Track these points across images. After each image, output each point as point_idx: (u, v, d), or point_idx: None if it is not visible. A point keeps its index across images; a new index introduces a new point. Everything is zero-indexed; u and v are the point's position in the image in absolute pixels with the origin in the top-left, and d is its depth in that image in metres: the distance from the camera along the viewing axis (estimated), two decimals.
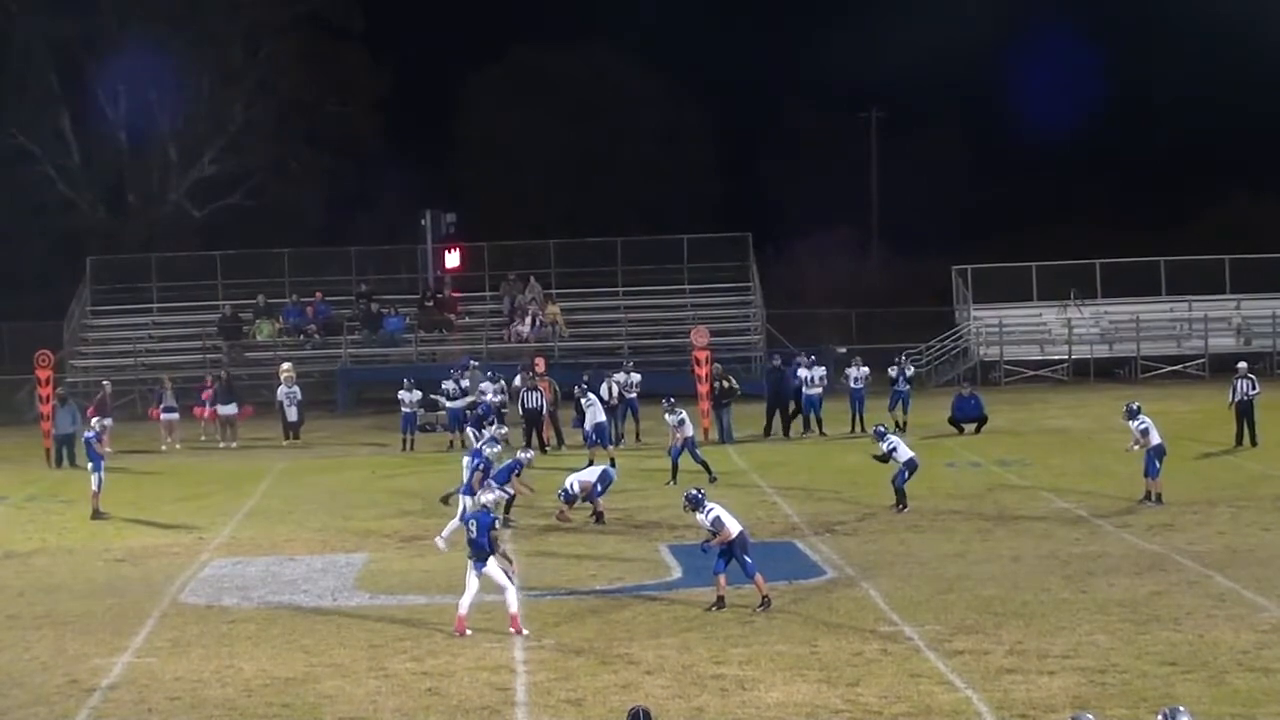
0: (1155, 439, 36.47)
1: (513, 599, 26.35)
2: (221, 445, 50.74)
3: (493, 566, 26.50)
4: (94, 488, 38.31)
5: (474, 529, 26.90)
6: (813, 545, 33.03)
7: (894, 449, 35.82)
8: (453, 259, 65.14)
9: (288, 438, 50.94)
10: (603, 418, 44.42)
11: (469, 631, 26.21)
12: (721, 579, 27.34)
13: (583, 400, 45.00)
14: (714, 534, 27.63)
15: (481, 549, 26.46)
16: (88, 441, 38.86)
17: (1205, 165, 79.50)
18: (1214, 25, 79.09)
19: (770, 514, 36.69)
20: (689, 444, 40.34)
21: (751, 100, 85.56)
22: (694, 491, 28.35)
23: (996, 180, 79.06)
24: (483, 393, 48.87)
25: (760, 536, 34.13)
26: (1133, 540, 32.50)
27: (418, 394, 49.38)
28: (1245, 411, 44.55)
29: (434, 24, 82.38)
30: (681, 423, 39.81)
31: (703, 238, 64.78)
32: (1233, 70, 78.60)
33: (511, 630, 26.10)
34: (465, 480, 33.24)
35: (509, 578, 26.51)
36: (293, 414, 51.38)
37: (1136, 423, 36.56)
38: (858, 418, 49.53)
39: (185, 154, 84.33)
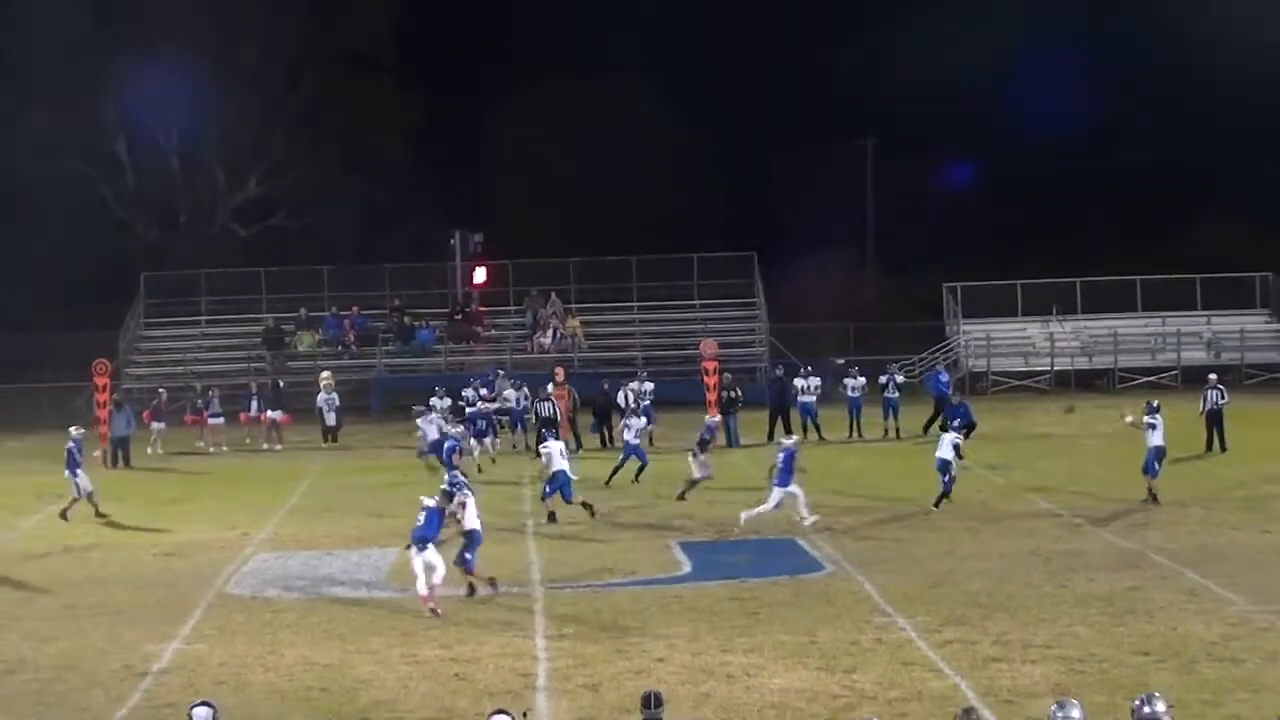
0: (1158, 440, 36.60)
1: (438, 579, 27.42)
2: (265, 447, 50.75)
3: (431, 551, 27.46)
4: (74, 494, 38.01)
5: (422, 520, 27.96)
6: (812, 542, 33.00)
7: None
8: (480, 275, 65.20)
9: (326, 441, 50.97)
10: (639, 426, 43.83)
11: (439, 611, 27.00)
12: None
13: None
14: (459, 520, 29.02)
15: (424, 539, 27.62)
16: (69, 452, 37.93)
17: (1178, 191, 79.40)
18: (1187, 58, 79.17)
19: (773, 513, 36.60)
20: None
21: (758, 129, 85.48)
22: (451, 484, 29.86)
23: (985, 204, 78.92)
24: (507, 399, 48.94)
25: (764, 534, 34.25)
26: (1110, 539, 32.48)
27: (448, 400, 49.35)
28: (1215, 420, 44.58)
29: (462, 57, 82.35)
30: (703, 465, 39.19)
31: (711, 256, 64.79)
32: (1203, 103, 78.63)
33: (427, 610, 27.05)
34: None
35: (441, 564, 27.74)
36: (331, 419, 51.42)
37: (1150, 417, 36.72)
38: (855, 425, 49.56)
39: (232, 178, 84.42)
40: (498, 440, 48.00)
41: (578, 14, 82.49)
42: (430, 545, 27.75)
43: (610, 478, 41.42)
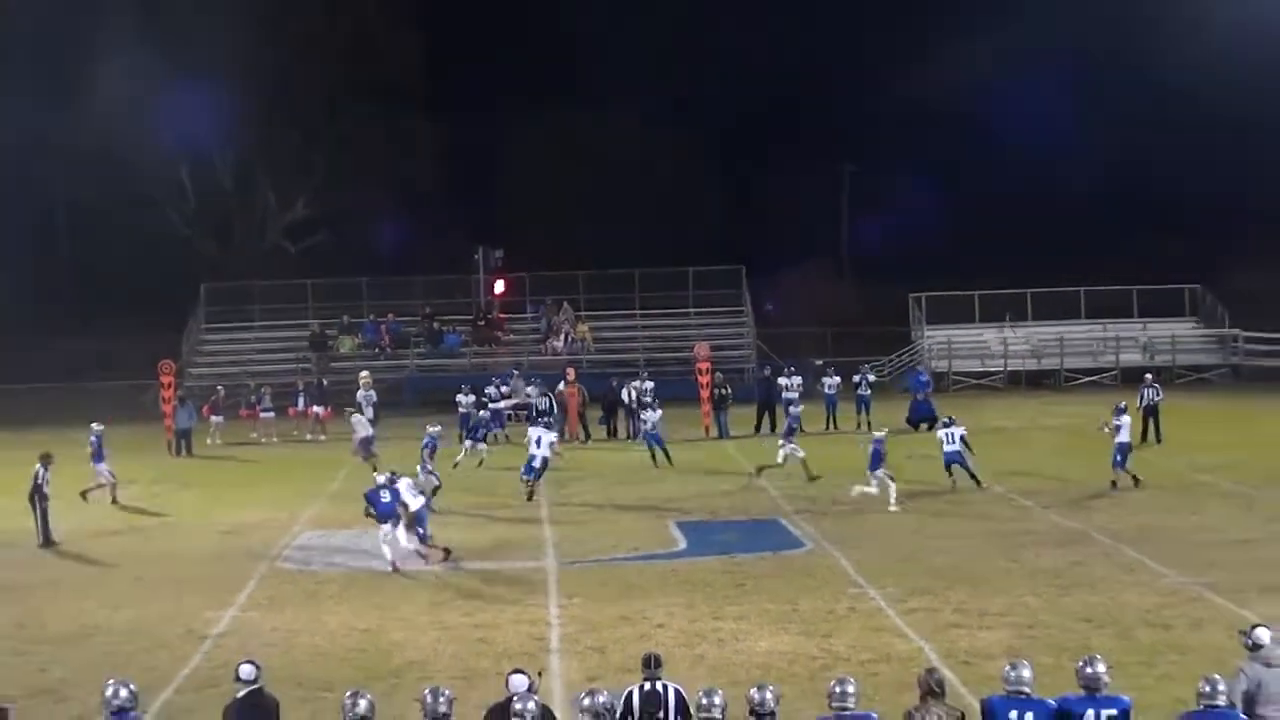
0: (1125, 437, 36.79)
1: (400, 552, 29.11)
2: (310, 438, 50.75)
3: (392, 526, 29.15)
4: (101, 479, 38.13)
5: (386, 497, 29.34)
6: (794, 522, 33.04)
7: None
8: (500, 286, 65.24)
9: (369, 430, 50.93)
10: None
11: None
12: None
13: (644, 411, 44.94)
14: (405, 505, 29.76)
15: (386, 515, 29.29)
16: (93, 445, 38.30)
17: (1118, 212, 79.56)
18: (1126, 93, 79.50)
19: (760, 497, 36.69)
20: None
21: (746, 155, 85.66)
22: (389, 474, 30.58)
23: (947, 223, 78.97)
24: (528, 395, 48.96)
25: (752, 514, 34.31)
26: (1056, 519, 32.51)
27: (473, 396, 49.45)
28: (1151, 414, 44.54)
29: (483, 92, 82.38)
30: (793, 450, 39.18)
31: (704, 270, 64.79)
32: (1142, 131, 78.77)
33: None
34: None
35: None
36: (369, 412, 51.37)
37: (1117, 419, 36.90)
38: (831, 418, 49.61)
39: (281, 200, 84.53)
40: (505, 432, 48.36)
41: (587, 53, 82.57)
42: (393, 521, 29.18)
43: (662, 459, 41.89)
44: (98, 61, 75.56)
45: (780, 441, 39.53)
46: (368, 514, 29.93)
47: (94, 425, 38.36)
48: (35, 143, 76.63)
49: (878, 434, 36.38)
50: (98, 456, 38.14)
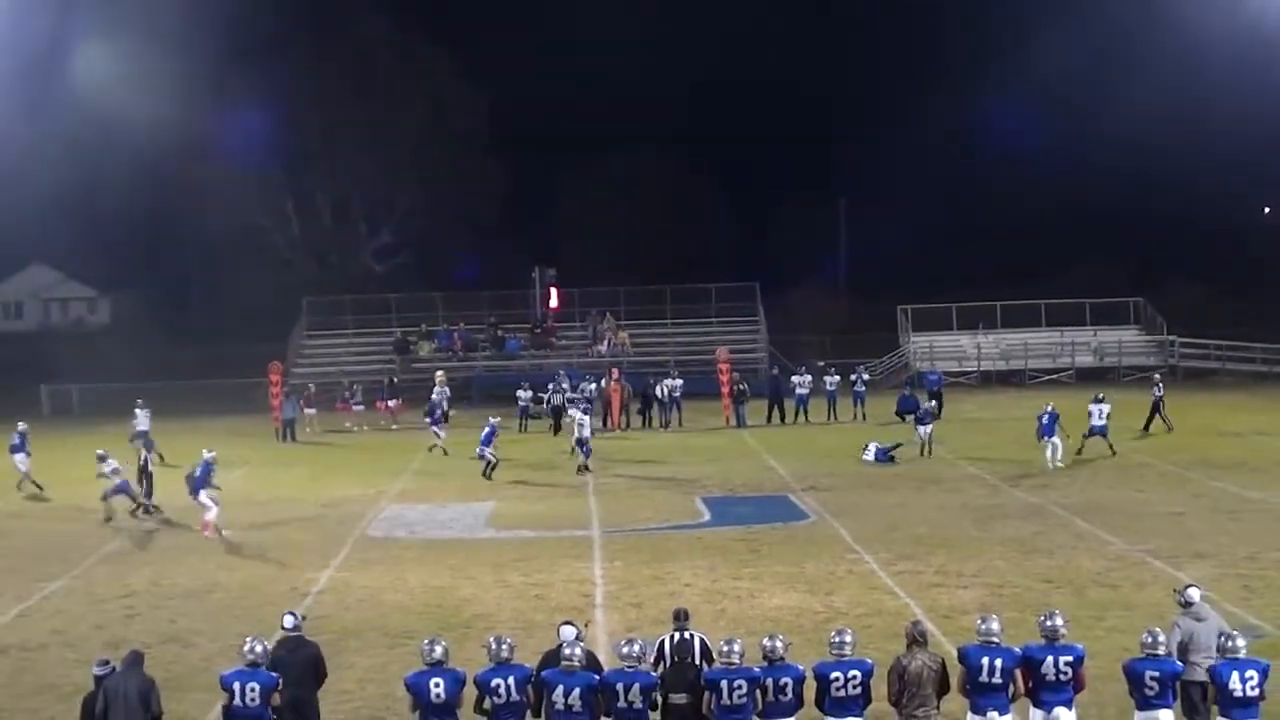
0: (1098, 420, 38.10)
1: (213, 515, 29.99)
2: (394, 428, 50.71)
3: (203, 495, 30.02)
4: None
5: (199, 473, 30.16)
6: (800, 497, 32.99)
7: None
8: (553, 300, 65.13)
9: (443, 424, 50.86)
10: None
11: (225, 532, 29.73)
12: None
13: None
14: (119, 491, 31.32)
15: (199, 488, 30.06)
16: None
17: (1072, 234, 79.56)
18: (1083, 128, 79.73)
19: (771, 476, 36.62)
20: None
21: (761, 189, 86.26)
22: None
23: (928, 245, 78.97)
24: (581, 390, 48.86)
25: (764, 491, 34.25)
26: (1021, 495, 32.39)
27: (530, 392, 49.48)
28: (1156, 408, 43.92)
29: (538, 135, 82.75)
30: (926, 434, 39.82)
31: (725, 286, 64.65)
32: (1095, 164, 78.83)
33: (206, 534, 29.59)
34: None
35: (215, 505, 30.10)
36: (444, 406, 51.37)
37: (1094, 405, 38.36)
38: (832, 410, 49.43)
39: (370, 228, 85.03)
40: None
41: (627, 104, 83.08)
42: (206, 490, 30.14)
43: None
44: (224, 119, 76.53)
45: (916, 425, 40.44)
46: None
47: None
48: (169, 181, 77.45)
49: (1047, 407, 37.88)
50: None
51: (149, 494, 33.10)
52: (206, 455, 30.83)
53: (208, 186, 78.75)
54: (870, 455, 38.52)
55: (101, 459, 32.12)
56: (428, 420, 43.71)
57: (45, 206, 78.77)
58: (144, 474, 33.20)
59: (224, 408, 55.23)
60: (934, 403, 45.83)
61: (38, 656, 20.75)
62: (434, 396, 48.36)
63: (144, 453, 33.34)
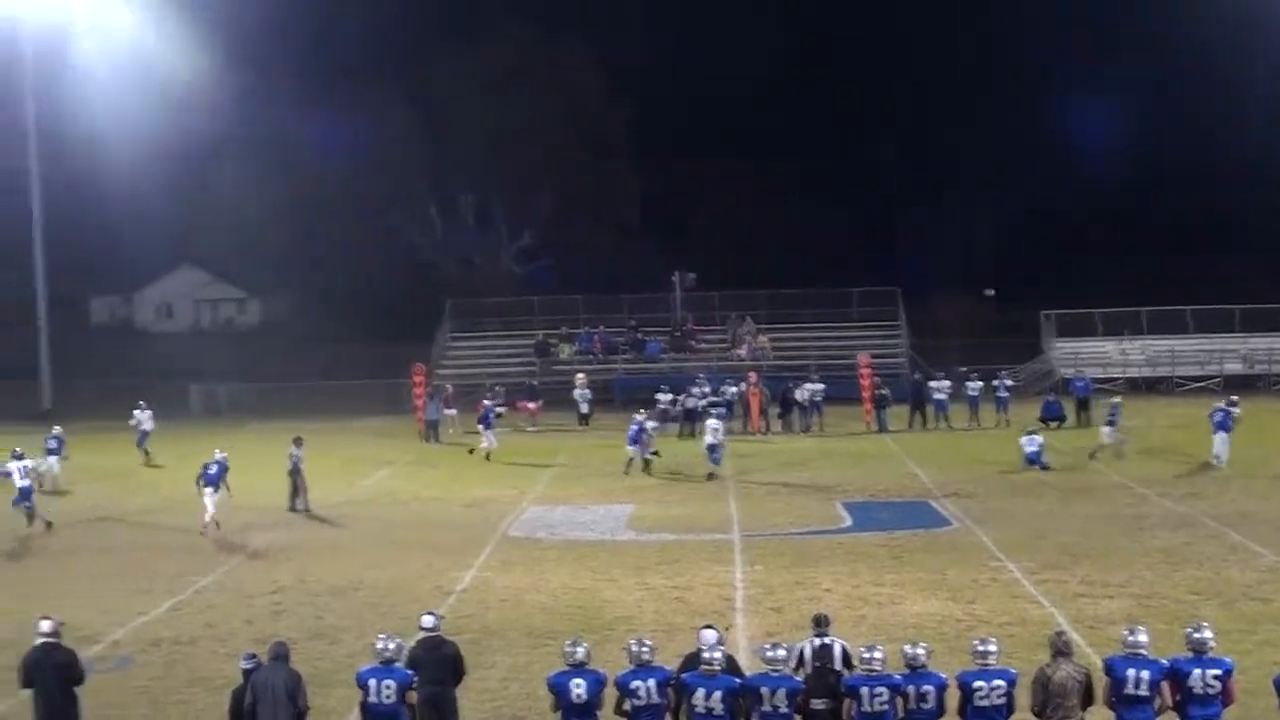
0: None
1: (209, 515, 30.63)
2: (530, 429, 50.97)
3: (208, 493, 30.76)
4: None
5: (214, 470, 30.98)
6: (942, 504, 32.69)
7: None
8: (692, 303, 65.15)
9: (581, 425, 51.18)
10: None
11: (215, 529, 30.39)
12: None
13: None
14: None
15: (213, 480, 30.82)
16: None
17: (1223, 237, 78.16)
18: (1228, 126, 77.98)
19: (912, 481, 36.36)
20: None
21: (903, 198, 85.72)
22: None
23: (1073, 250, 78.07)
24: (721, 394, 48.86)
25: (905, 496, 34.02)
26: (1169, 505, 31.79)
27: (670, 395, 49.55)
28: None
29: (677, 144, 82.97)
30: (1113, 435, 39.51)
31: (866, 290, 64.22)
32: (1253, 157, 77.06)
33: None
34: None
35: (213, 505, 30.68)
36: (585, 408, 51.65)
37: (1230, 407, 37.78)
38: (974, 416, 48.90)
39: (512, 232, 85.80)
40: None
41: (766, 112, 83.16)
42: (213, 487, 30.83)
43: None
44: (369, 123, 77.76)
45: (1106, 427, 39.83)
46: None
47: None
48: (316, 184, 78.79)
49: (1220, 404, 37.98)
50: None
51: (300, 495, 33.62)
52: (219, 455, 31.73)
53: (353, 190, 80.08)
54: (1030, 448, 37.83)
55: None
56: (481, 426, 43.43)
57: (196, 209, 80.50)
58: (294, 474, 33.70)
59: (368, 408, 55.95)
60: (1081, 411, 45.20)
61: (189, 650, 21.22)
62: (575, 395, 48.88)
63: (295, 451, 33.84)
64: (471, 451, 42.73)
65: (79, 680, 16.06)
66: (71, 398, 58.58)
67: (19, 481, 31.59)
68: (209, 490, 31.00)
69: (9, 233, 61.67)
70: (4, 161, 61.13)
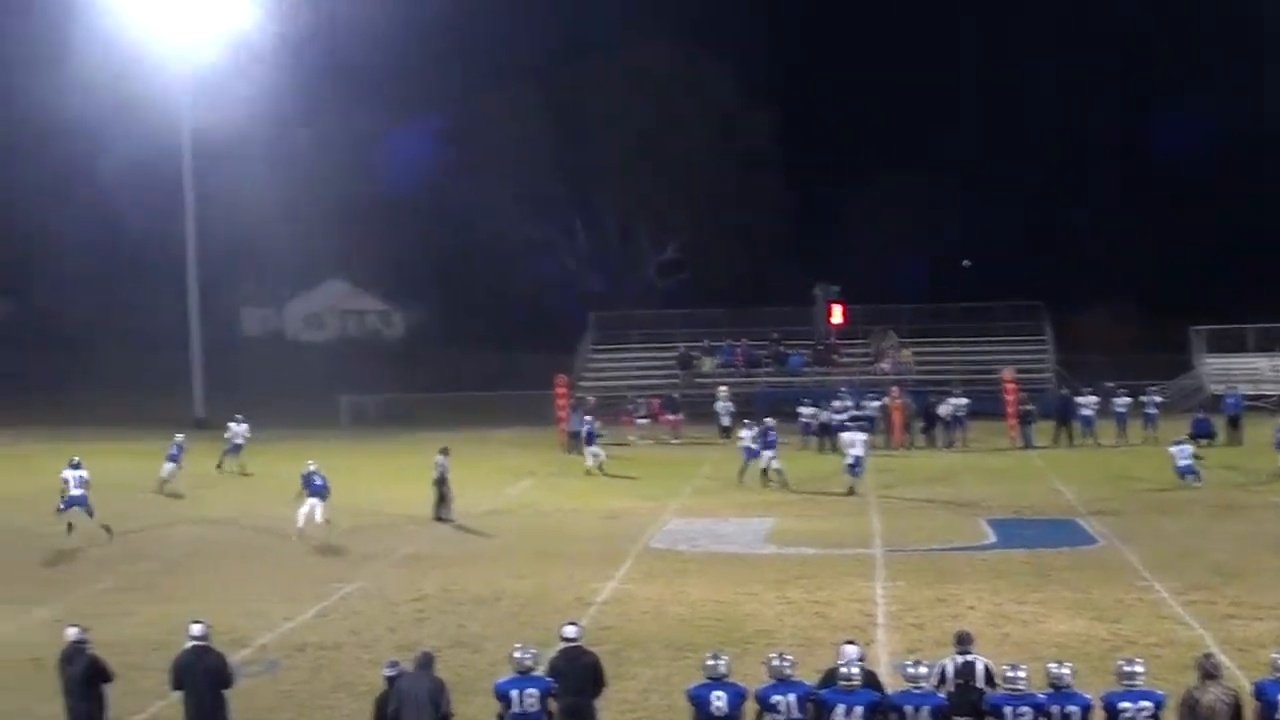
0: None
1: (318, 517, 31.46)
2: (674, 442, 51.05)
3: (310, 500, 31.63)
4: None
5: (318, 480, 31.85)
6: (1088, 521, 32.21)
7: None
8: (836, 317, 64.81)
9: (722, 437, 51.11)
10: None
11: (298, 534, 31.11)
12: None
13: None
14: None
15: (319, 491, 31.61)
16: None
17: None
18: None
19: (1057, 499, 35.90)
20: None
21: (1048, 207, 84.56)
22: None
23: (1222, 266, 76.59)
24: (860, 408, 48.63)
25: (1050, 514, 33.59)
26: None
27: (813, 409, 49.34)
28: None
29: (823, 155, 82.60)
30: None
31: (1010, 304, 63.49)
32: None
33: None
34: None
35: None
36: (726, 420, 51.60)
37: None
38: (1121, 432, 48.13)
39: (655, 245, 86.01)
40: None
41: (909, 120, 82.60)
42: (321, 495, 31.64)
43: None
44: (510, 135, 78.47)
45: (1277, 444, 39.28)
46: None
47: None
48: (458, 197, 79.84)
49: None
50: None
51: (445, 504, 34.02)
52: (312, 466, 32.58)
53: (496, 202, 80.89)
54: (1182, 460, 37.19)
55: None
56: (586, 447, 43.47)
57: (342, 222, 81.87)
58: (440, 483, 34.07)
59: (511, 419, 56.40)
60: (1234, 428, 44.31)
61: (334, 655, 21.56)
62: (717, 408, 48.97)
63: (441, 460, 34.22)
64: (589, 472, 42.52)
65: (228, 683, 16.39)
66: (224, 407, 59.74)
67: (73, 490, 32.14)
68: (313, 500, 31.74)
69: (166, 246, 63.15)
70: (160, 178, 62.67)
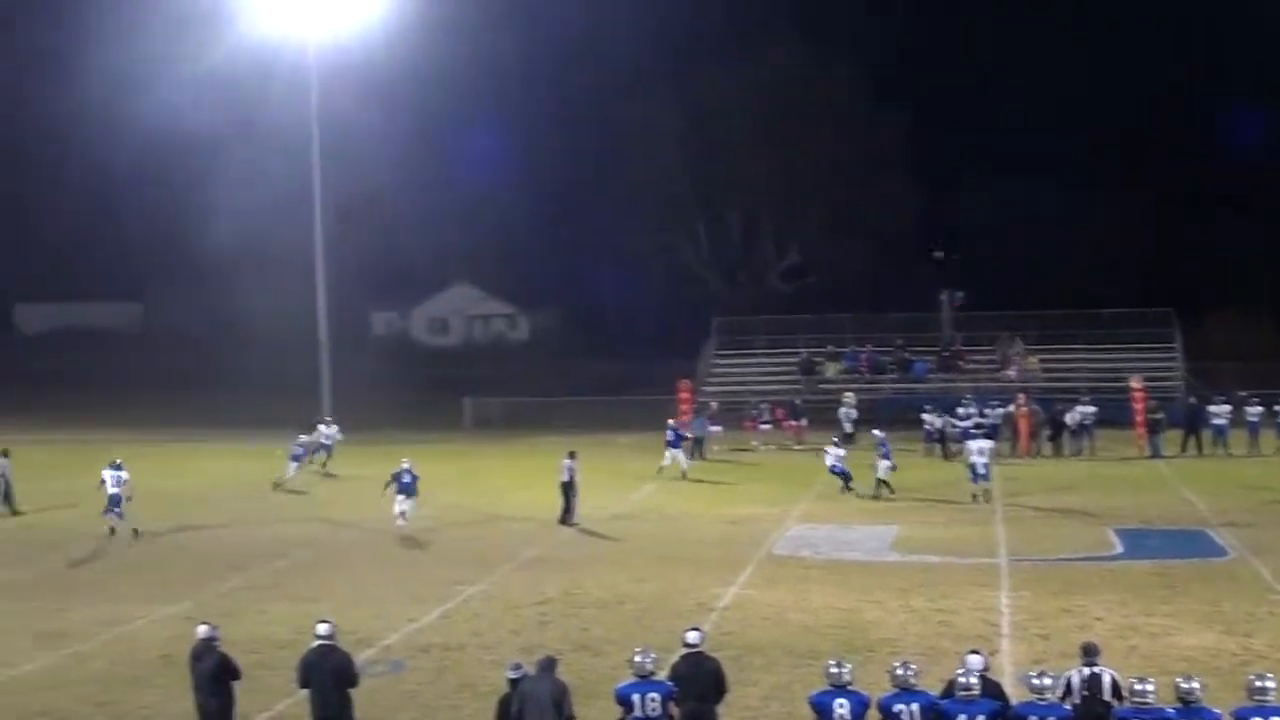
0: None
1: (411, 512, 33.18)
2: (799, 448, 50.88)
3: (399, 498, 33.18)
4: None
5: (406, 478, 33.14)
6: (1218, 532, 31.65)
7: None
8: (961, 323, 64.31)
9: (845, 443, 50.66)
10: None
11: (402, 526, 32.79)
12: None
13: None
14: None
15: (407, 488, 33.08)
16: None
17: None
18: None
19: (1187, 509, 35.30)
20: None
21: (1181, 211, 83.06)
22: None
23: None
24: (984, 415, 48.16)
25: (1179, 524, 33.04)
26: None
27: (939, 416, 48.85)
28: None
29: (948, 162, 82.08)
30: None
31: (1137, 311, 62.59)
32: None
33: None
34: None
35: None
36: (849, 427, 51.29)
37: None
38: (1254, 442, 47.21)
39: (778, 249, 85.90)
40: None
41: (1041, 125, 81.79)
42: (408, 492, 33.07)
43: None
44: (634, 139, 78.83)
45: None
46: None
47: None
48: (582, 201, 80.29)
49: None
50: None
51: (571, 508, 34.21)
52: (405, 464, 33.73)
53: (620, 206, 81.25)
54: None
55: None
56: (669, 450, 43.17)
57: (468, 228, 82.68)
58: (567, 487, 34.27)
59: (634, 424, 56.52)
60: None
61: (457, 656, 21.77)
62: (839, 414, 48.76)
63: (569, 463, 34.39)
64: (684, 476, 42.41)
65: (353, 682, 16.62)
66: (352, 409, 60.47)
67: (110, 489, 33.00)
68: (400, 497, 33.28)
69: (298, 251, 64.04)
70: (293, 183, 63.56)
